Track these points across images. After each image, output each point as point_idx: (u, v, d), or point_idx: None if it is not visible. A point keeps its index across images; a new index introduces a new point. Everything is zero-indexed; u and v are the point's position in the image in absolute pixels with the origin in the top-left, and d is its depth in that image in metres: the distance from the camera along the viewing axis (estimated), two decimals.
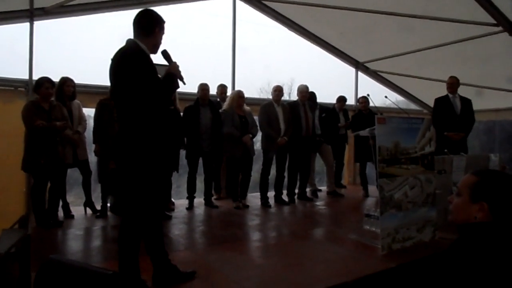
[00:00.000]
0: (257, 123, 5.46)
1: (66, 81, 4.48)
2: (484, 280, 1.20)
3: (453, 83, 5.40)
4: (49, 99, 4.12)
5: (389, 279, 2.94)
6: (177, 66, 2.54)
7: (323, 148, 6.19)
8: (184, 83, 2.59)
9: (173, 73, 2.51)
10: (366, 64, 7.92)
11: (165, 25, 2.57)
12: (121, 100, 2.46)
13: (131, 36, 2.53)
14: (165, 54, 2.60)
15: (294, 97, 6.30)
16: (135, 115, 2.40)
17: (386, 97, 5.84)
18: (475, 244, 1.29)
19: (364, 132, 3.99)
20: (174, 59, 2.60)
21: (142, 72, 2.35)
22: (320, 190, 6.50)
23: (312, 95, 6.08)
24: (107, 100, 4.55)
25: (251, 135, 5.20)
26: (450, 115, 5.31)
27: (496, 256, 1.23)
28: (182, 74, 2.55)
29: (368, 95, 6.42)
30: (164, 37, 2.60)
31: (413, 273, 2.98)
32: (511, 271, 1.19)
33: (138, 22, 2.51)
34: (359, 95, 8.02)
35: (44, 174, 4.04)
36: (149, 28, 2.49)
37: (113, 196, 4.68)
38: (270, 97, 5.65)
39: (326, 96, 6.43)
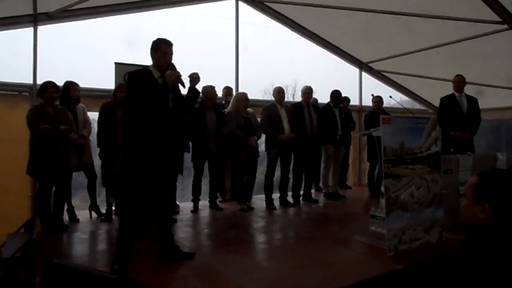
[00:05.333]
0: None
1: (72, 85, 4.49)
2: (487, 282, 1.20)
3: (460, 82, 5.33)
4: (54, 103, 4.13)
5: (396, 281, 2.90)
6: (170, 75, 3.01)
7: (338, 148, 6.11)
8: (184, 86, 3.15)
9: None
10: (370, 64, 7.89)
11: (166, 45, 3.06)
12: None
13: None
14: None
15: (298, 98, 6.27)
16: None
17: (390, 97, 5.81)
18: (480, 245, 1.30)
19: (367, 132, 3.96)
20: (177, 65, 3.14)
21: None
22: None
23: (337, 95, 5.98)
24: (110, 103, 4.55)
25: (256, 137, 5.17)
26: (457, 114, 5.24)
27: (499, 257, 1.22)
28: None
29: (372, 95, 6.40)
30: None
31: (420, 274, 2.95)
32: None
33: None
34: (363, 96, 8.00)
35: (49, 178, 4.05)
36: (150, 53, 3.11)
37: (115, 197, 4.67)
38: (273, 98, 5.63)
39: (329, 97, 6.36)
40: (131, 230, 3.00)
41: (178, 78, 3.04)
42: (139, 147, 2.95)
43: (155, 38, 3.07)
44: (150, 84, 2.96)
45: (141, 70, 3.07)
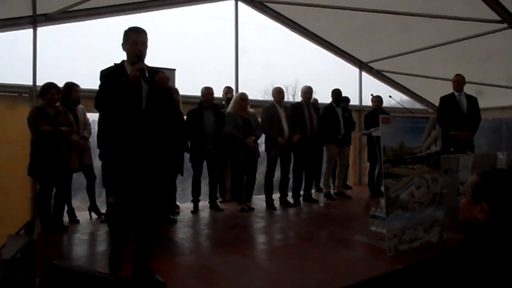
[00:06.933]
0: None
1: (73, 86, 4.50)
2: (483, 281, 1.20)
3: (459, 81, 5.32)
4: (55, 104, 4.13)
5: (396, 281, 2.90)
6: (133, 69, 2.60)
7: (341, 149, 6.11)
8: (146, 82, 2.67)
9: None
10: (370, 64, 7.89)
11: (133, 34, 2.69)
12: None
13: None
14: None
15: (298, 98, 6.27)
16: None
17: (390, 96, 5.80)
18: (476, 245, 1.29)
19: (367, 132, 3.96)
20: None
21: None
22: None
23: (338, 93, 5.97)
24: None
25: (254, 137, 5.17)
26: (456, 114, 5.23)
27: (495, 257, 1.22)
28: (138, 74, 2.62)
29: (372, 94, 6.39)
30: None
31: (419, 274, 2.95)
32: (509, 273, 1.18)
33: None
34: (363, 95, 8.00)
35: (50, 179, 4.05)
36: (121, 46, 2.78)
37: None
38: (273, 99, 5.62)
39: (330, 96, 6.36)
40: (117, 230, 2.83)
41: (141, 71, 2.59)
42: (109, 149, 2.80)
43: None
44: (121, 82, 2.62)
45: (114, 67, 2.79)
